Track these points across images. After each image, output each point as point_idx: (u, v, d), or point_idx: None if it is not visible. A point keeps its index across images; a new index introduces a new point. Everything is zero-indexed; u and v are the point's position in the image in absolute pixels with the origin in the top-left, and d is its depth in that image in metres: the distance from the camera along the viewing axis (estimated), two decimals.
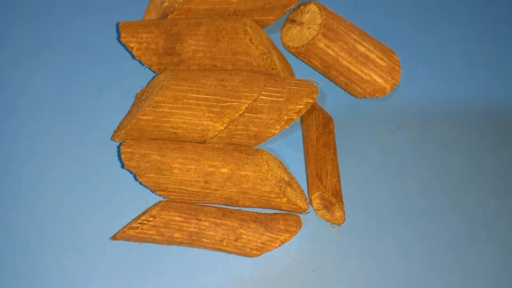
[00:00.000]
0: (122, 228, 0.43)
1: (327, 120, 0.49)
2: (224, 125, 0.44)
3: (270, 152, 0.47)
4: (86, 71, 0.52)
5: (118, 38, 0.53)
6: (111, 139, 0.48)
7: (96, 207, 0.46)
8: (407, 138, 0.52)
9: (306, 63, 0.54)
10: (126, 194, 0.47)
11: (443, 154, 0.52)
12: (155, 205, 0.43)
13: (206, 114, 0.44)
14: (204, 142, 0.46)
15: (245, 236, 0.41)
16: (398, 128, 0.53)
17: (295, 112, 0.45)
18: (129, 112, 0.49)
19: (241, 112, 0.44)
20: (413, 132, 0.53)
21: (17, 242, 0.45)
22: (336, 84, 0.53)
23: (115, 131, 0.47)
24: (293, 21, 0.54)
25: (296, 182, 0.47)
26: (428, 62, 0.56)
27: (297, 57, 0.54)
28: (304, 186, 0.49)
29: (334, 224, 0.47)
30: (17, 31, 0.54)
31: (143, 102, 0.45)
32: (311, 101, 0.45)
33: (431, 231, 0.48)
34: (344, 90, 0.53)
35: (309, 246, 0.46)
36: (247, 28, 0.47)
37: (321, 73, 0.53)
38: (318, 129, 0.48)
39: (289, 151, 0.51)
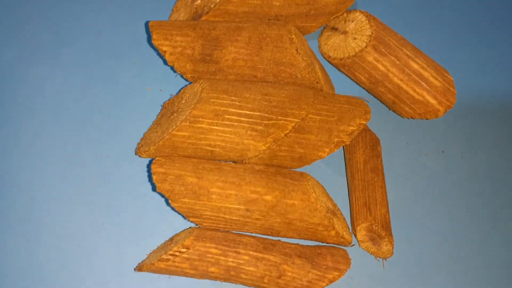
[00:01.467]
0: (149, 258, 0.39)
1: (375, 142, 0.45)
2: (267, 145, 0.40)
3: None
4: (107, 74, 0.47)
5: (149, 39, 0.48)
6: (135, 153, 0.43)
7: (116, 228, 0.41)
8: (452, 162, 0.48)
9: (348, 76, 0.49)
10: (149, 213, 0.42)
11: (491, 180, 0.48)
12: (188, 232, 0.38)
13: (248, 132, 0.39)
14: (242, 162, 0.41)
15: (289, 273, 0.37)
16: (443, 151, 0.49)
17: (346, 134, 0.40)
18: (155, 123, 0.44)
19: (287, 131, 0.40)
20: (459, 156, 0.49)
21: (33, 269, 0.40)
22: (380, 101, 0.49)
23: (141, 145, 0.42)
24: (334, 28, 0.49)
25: (339, 209, 0.43)
26: (477, 82, 0.52)
27: (339, 69, 0.49)
28: (345, 212, 0.44)
29: (379, 257, 0.43)
30: (35, 28, 0.48)
31: (175, 114, 0.40)
32: (364, 122, 0.41)
33: (482, 264, 0.44)
34: (389, 108, 0.49)
35: (352, 281, 0.42)
36: (293, 36, 0.42)
37: (365, 88, 0.49)
38: (366, 152, 0.44)
39: (329, 173, 0.46)
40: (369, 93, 0.49)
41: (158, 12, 0.50)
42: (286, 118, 0.39)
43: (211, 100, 0.39)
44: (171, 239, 0.40)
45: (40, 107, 0.45)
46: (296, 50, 0.42)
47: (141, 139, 0.44)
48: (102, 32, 0.48)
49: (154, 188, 0.41)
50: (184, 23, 0.43)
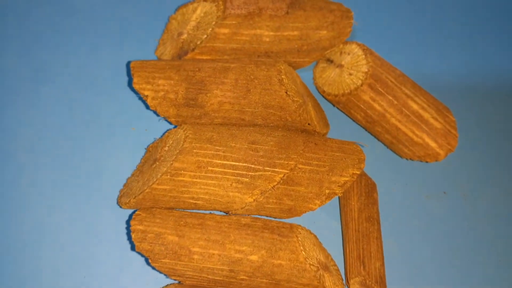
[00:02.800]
0: None
1: (371, 188, 0.42)
2: (254, 198, 0.37)
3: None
4: (89, 112, 0.44)
5: (130, 82, 0.45)
6: (117, 202, 0.41)
7: (97, 281, 0.39)
8: (455, 205, 0.46)
9: (344, 113, 0.47)
10: (132, 265, 0.40)
11: (496, 225, 0.45)
12: None
13: (234, 184, 0.37)
14: (228, 213, 0.39)
15: None
16: (445, 193, 0.46)
17: (339, 186, 0.38)
18: (138, 168, 0.42)
19: (275, 183, 0.37)
20: (462, 199, 0.46)
21: None
22: (378, 140, 0.46)
23: (122, 195, 0.40)
24: (329, 60, 0.46)
25: (332, 260, 0.41)
26: (480, 120, 0.49)
27: (335, 106, 0.47)
28: (339, 261, 0.42)
29: None
30: (11, 63, 0.45)
31: (157, 163, 0.38)
32: (358, 172, 0.38)
33: None
34: (387, 147, 0.46)
35: None
36: (283, 77, 0.40)
37: (362, 126, 0.46)
38: (361, 199, 0.41)
39: (323, 218, 0.44)
40: (366, 130, 0.47)
41: (144, 44, 0.47)
42: (274, 169, 0.37)
43: (194, 150, 0.36)
44: None
45: (17, 150, 0.42)
46: (286, 92, 0.40)
47: (124, 185, 0.41)
48: (84, 67, 0.46)
49: (133, 247, 0.39)
50: (168, 64, 0.41)
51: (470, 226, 0.45)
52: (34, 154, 0.43)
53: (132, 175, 0.42)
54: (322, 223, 0.43)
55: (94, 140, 0.44)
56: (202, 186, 0.36)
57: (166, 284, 0.39)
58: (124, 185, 0.41)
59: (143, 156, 0.43)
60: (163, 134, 0.43)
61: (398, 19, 0.52)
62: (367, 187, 0.42)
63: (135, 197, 0.37)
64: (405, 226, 0.44)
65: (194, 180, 0.36)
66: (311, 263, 0.36)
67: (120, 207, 0.39)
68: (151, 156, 0.41)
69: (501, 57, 0.51)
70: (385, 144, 0.46)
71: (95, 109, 0.45)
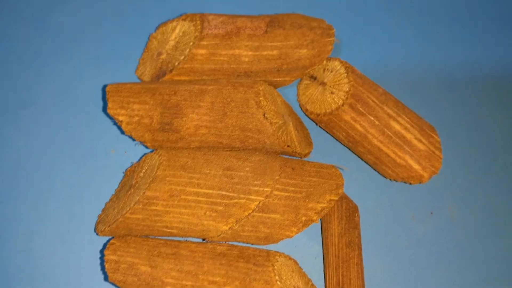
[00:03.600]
0: None
1: (352, 211, 0.41)
2: (229, 226, 0.37)
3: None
4: (69, 134, 0.44)
5: (104, 106, 0.45)
6: (95, 229, 0.40)
7: None
8: (442, 226, 0.45)
9: (328, 133, 0.46)
10: None
11: (485, 246, 0.44)
12: None
13: (208, 213, 0.36)
14: (205, 240, 0.39)
15: None
16: (431, 213, 0.45)
17: (315, 212, 0.37)
18: (117, 192, 0.41)
19: (250, 211, 0.36)
20: (449, 219, 0.45)
21: None
22: (362, 159, 0.45)
23: (100, 221, 0.39)
24: (313, 77, 0.45)
25: (313, 285, 0.40)
26: (466, 139, 0.47)
27: (317, 125, 0.46)
28: (321, 286, 0.41)
29: None
30: None
31: (132, 190, 0.38)
32: (335, 198, 0.37)
33: None
34: (371, 167, 0.45)
35: None
36: (261, 99, 0.39)
37: (345, 146, 0.45)
38: (341, 224, 0.40)
39: (304, 241, 0.43)
40: (349, 149, 0.45)
41: (126, 64, 0.47)
42: (249, 197, 0.36)
43: (167, 178, 0.36)
44: None
45: None
46: (264, 114, 0.39)
47: (102, 210, 0.41)
48: (64, 88, 0.45)
49: (106, 278, 0.39)
50: (144, 87, 0.40)
51: (458, 247, 0.44)
52: (13, 176, 0.42)
53: (110, 200, 0.41)
54: (303, 247, 0.43)
55: (74, 163, 0.43)
56: (175, 215, 0.36)
57: None
58: (103, 210, 0.41)
59: (121, 180, 0.42)
60: (141, 157, 0.42)
61: (388, 22, 0.51)
62: (348, 211, 0.41)
63: (110, 225, 0.37)
64: (390, 248, 0.43)
65: (167, 209, 0.36)
66: None
67: (97, 234, 0.39)
68: (128, 181, 0.40)
69: (492, 68, 0.50)
70: (368, 164, 0.45)
71: (75, 131, 0.44)
